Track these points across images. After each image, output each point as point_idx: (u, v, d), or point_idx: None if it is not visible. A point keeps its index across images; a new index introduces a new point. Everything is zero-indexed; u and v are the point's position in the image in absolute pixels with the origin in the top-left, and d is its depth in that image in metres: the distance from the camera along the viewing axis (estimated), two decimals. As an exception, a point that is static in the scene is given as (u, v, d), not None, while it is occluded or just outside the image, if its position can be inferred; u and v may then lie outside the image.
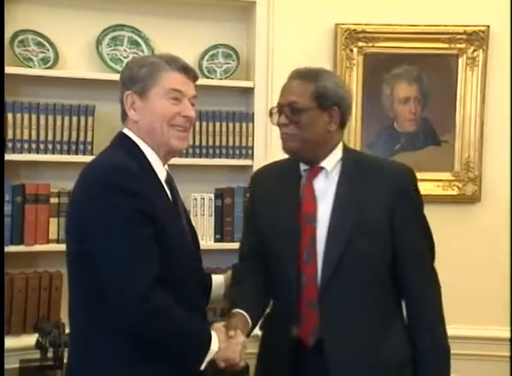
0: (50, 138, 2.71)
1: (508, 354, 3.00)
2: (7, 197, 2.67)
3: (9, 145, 2.67)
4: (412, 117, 3.07)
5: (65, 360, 2.28)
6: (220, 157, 2.92)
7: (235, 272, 1.97)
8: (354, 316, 1.78)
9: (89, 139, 2.77)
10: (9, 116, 2.67)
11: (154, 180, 1.67)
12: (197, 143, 2.91)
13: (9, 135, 2.67)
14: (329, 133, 1.83)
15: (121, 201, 1.53)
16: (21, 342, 2.67)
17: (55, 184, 2.76)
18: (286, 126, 1.80)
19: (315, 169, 1.86)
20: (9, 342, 2.55)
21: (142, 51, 2.90)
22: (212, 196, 2.93)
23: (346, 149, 1.91)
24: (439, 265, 1.86)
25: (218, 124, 2.93)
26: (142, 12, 2.92)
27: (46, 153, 2.71)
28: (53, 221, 2.73)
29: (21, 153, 2.68)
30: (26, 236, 2.71)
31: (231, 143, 2.94)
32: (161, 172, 1.71)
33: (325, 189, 1.84)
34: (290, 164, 1.91)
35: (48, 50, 2.81)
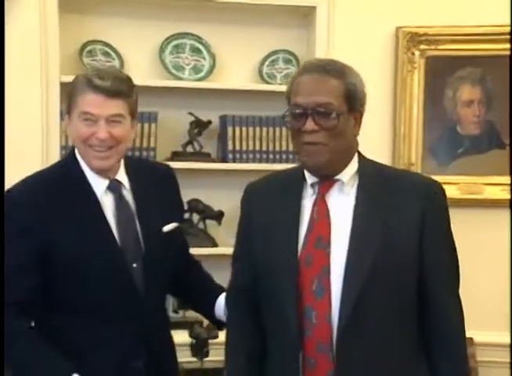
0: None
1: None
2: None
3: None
4: (476, 120, 3.01)
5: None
6: (280, 162, 2.95)
7: (228, 326, 1.72)
8: (377, 362, 1.50)
9: (152, 144, 2.85)
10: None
11: (79, 194, 1.75)
12: (257, 148, 2.95)
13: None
14: (354, 139, 1.58)
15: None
16: None
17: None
18: (315, 133, 1.49)
19: (329, 182, 1.57)
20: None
21: (204, 58, 2.97)
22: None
23: (361, 156, 1.62)
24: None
25: (277, 129, 2.96)
26: (204, 20, 2.98)
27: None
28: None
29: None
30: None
31: (291, 148, 2.96)
32: (99, 184, 1.76)
33: (340, 205, 1.55)
34: (292, 175, 1.64)
35: (114, 59, 2.91)
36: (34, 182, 1.77)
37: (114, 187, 1.79)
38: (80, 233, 1.70)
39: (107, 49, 2.91)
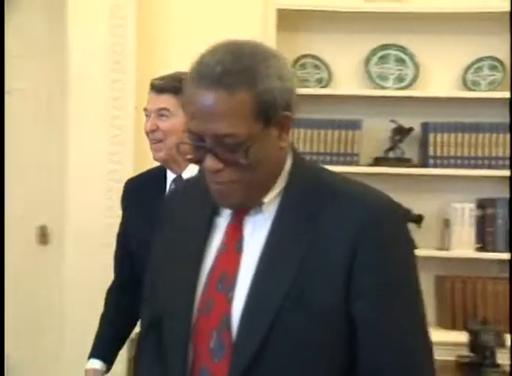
0: (322, 150, 3.04)
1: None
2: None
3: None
4: None
5: (498, 361, 2.57)
6: (481, 168, 2.98)
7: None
8: None
9: (356, 151, 3.04)
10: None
11: (160, 188, 1.92)
12: (459, 154, 3.00)
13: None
14: (281, 151, 1.15)
15: None
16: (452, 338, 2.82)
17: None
18: (220, 173, 1.11)
19: None
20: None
21: (407, 67, 3.09)
22: (473, 206, 3.00)
23: (296, 161, 1.19)
24: None
25: (481, 135, 2.99)
26: (407, 31, 3.09)
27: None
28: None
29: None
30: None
31: (495, 154, 2.98)
32: (169, 179, 1.94)
33: (257, 233, 1.16)
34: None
35: (323, 71, 3.14)
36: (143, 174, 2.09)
37: (176, 182, 1.92)
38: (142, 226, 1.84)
39: (317, 62, 3.15)
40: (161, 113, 1.88)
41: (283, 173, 1.17)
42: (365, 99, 3.06)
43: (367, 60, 3.12)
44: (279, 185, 1.17)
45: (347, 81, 3.15)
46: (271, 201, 1.16)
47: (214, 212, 1.22)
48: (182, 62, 2.72)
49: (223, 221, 1.21)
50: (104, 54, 2.82)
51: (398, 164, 3.03)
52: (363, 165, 3.02)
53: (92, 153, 2.86)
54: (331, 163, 2.98)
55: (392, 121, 3.04)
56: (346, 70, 3.16)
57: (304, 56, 3.16)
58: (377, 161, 3.07)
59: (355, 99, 3.06)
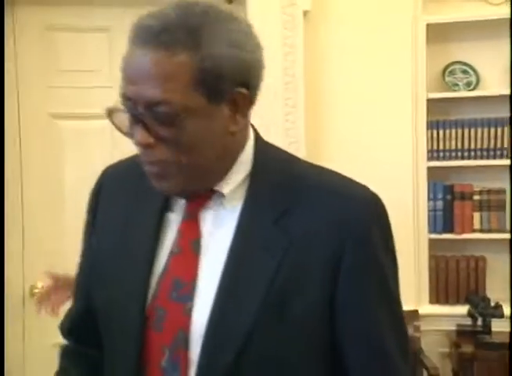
0: (472, 146, 3.35)
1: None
2: (440, 195, 3.39)
3: (441, 154, 3.39)
4: None
5: (492, 328, 3.01)
6: None
7: None
8: None
9: (505, 145, 3.31)
10: (440, 132, 3.40)
11: None
12: None
13: (440, 146, 3.39)
14: (233, 136, 0.99)
15: None
16: (456, 310, 3.28)
17: (477, 184, 3.38)
18: (151, 149, 0.95)
19: (203, 196, 1.03)
20: (447, 310, 3.29)
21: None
22: None
23: (260, 148, 1.05)
24: None
25: None
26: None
27: (469, 159, 3.35)
28: (476, 215, 3.35)
29: (449, 160, 3.38)
30: (455, 226, 3.38)
31: None
32: None
33: (215, 231, 1.02)
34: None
35: (471, 75, 3.46)
36: None
37: None
38: None
39: (465, 68, 3.47)
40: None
41: (242, 161, 1.02)
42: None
43: (512, 63, 3.38)
44: (239, 174, 1.02)
45: (494, 83, 3.43)
46: (233, 193, 1.01)
47: (165, 207, 1.04)
48: (343, 76, 3.26)
49: (176, 217, 1.04)
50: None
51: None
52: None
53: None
54: (482, 158, 3.30)
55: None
56: (493, 74, 3.44)
57: (454, 62, 3.49)
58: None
59: (502, 98, 3.34)
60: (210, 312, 0.97)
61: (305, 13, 3.20)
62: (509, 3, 3.13)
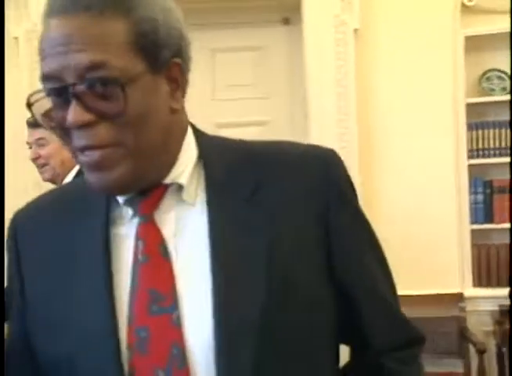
0: (508, 144, 3.71)
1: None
2: (480, 190, 3.77)
3: (480, 153, 3.76)
4: None
5: None
6: None
7: None
8: None
9: (539, 143, 3.67)
10: (479, 133, 3.77)
11: None
12: None
13: (480, 145, 3.76)
14: (176, 115, 0.92)
15: None
16: (498, 292, 3.62)
17: (514, 179, 3.74)
18: (90, 129, 0.84)
19: (156, 192, 0.93)
20: (490, 292, 3.65)
21: None
22: None
23: (200, 133, 1.00)
24: None
25: None
26: None
27: (506, 156, 3.69)
28: (514, 206, 3.72)
29: (488, 158, 3.75)
30: (495, 217, 3.74)
31: None
32: None
33: (181, 229, 0.92)
34: (77, 190, 0.98)
35: (505, 81, 3.83)
36: None
37: None
38: None
39: (501, 74, 3.84)
40: (39, 142, 2.30)
41: (187, 146, 0.95)
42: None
43: (545, 69, 3.74)
44: (189, 161, 0.94)
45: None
46: (189, 184, 0.93)
47: (107, 222, 0.92)
48: (390, 85, 3.69)
49: (125, 229, 0.92)
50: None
51: None
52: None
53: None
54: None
55: None
56: (526, 79, 3.81)
57: (490, 70, 3.87)
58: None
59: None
60: (212, 314, 0.86)
61: (355, 31, 3.63)
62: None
